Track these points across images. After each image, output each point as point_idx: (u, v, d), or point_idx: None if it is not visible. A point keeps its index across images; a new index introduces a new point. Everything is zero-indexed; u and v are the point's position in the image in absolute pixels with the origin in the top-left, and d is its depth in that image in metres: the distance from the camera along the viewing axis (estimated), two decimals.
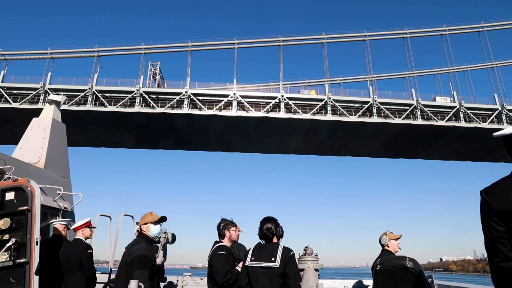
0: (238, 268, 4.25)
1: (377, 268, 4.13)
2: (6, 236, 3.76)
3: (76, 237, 5.48)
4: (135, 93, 39.70)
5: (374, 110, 40.18)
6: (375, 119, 39.75)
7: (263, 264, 3.60)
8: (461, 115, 40.66)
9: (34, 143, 7.86)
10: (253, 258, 3.69)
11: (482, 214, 1.88)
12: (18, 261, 3.73)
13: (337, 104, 40.23)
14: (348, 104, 41.19)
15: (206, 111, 38.96)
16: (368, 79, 44.89)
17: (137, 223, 4.63)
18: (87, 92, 39.76)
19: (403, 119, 40.50)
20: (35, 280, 3.74)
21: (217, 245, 4.46)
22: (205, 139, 44.54)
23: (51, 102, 8.54)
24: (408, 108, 41.32)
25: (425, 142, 44.13)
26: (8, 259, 3.71)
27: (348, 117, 39.72)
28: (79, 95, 39.74)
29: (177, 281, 7.13)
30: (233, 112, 38.91)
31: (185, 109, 39.00)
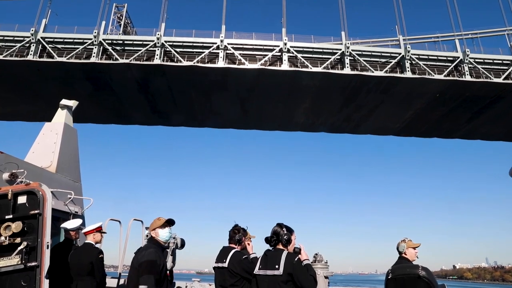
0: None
1: (389, 277, 4.28)
2: (18, 240, 3.86)
3: (86, 241, 5.35)
4: (93, 41, 30.21)
5: (407, 64, 30.32)
6: (409, 74, 29.86)
7: (268, 272, 3.66)
8: None
9: (46, 148, 7.94)
10: (260, 267, 3.78)
11: None
12: (29, 264, 3.81)
13: (358, 57, 30.46)
14: (372, 59, 31.38)
15: (185, 63, 29.30)
16: (401, 38, 33.51)
17: (146, 228, 4.73)
18: (30, 39, 30.33)
19: (446, 76, 30.61)
20: (45, 284, 3.82)
21: (233, 251, 4.53)
22: (187, 107, 34.82)
23: (63, 107, 8.60)
24: (450, 64, 31.47)
25: (470, 111, 34.11)
26: (20, 262, 3.80)
27: (373, 72, 29.87)
28: (17, 45, 30.25)
29: (186, 286, 8.02)
30: (220, 64, 29.21)
31: (157, 61, 29.40)
